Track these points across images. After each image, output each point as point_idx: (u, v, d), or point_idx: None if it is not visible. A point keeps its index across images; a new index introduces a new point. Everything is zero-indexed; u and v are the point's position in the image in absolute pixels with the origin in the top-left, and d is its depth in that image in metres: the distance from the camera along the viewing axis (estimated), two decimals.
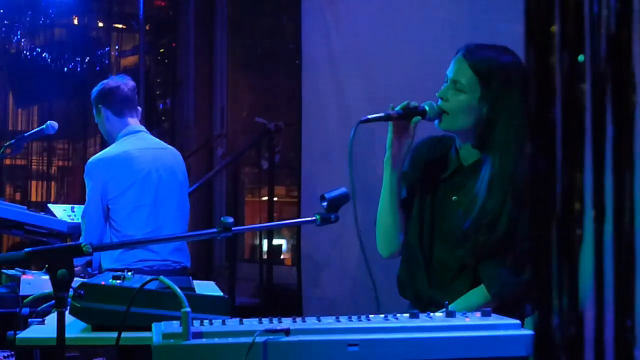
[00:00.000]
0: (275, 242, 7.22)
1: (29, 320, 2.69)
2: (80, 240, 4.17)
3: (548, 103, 1.01)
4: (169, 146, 4.58)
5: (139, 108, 4.52)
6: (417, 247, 2.82)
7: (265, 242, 6.61)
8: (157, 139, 4.57)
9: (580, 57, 0.99)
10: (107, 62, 8.64)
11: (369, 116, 2.69)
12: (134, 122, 4.42)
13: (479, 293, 2.67)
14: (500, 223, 2.64)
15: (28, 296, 2.90)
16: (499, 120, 2.68)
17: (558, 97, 0.97)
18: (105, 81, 4.47)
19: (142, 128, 4.46)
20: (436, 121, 2.74)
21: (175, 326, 1.89)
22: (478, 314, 2.03)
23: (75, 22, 8.70)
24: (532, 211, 1.01)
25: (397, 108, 2.73)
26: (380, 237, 2.91)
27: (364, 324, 1.93)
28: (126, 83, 4.43)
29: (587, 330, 1.00)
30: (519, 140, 2.67)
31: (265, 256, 6.60)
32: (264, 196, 6.82)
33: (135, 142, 4.34)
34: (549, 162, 0.99)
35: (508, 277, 2.64)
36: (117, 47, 8.83)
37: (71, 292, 2.17)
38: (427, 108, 2.71)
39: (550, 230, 1.01)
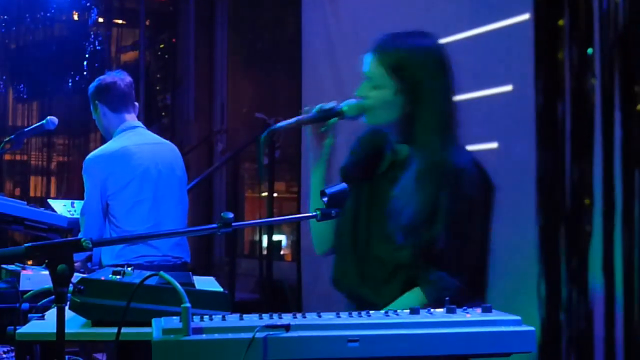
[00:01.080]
0: (275, 237, 7.22)
1: (29, 315, 2.69)
2: (80, 236, 4.17)
3: (556, 97, 1.00)
4: (166, 141, 4.57)
5: (136, 104, 4.50)
6: (349, 244, 2.74)
7: (265, 238, 6.60)
8: (155, 134, 4.56)
9: (589, 50, 0.98)
10: (106, 57, 8.63)
11: (279, 124, 2.69)
12: (131, 118, 4.41)
13: (415, 296, 2.55)
14: (437, 222, 2.52)
15: (28, 291, 2.89)
16: (418, 112, 2.59)
17: (567, 92, 0.97)
18: (101, 77, 4.45)
19: (139, 124, 4.45)
20: (364, 118, 2.69)
21: (175, 322, 1.88)
22: (479, 310, 2.03)
23: (75, 17, 8.70)
24: (540, 207, 1.01)
25: (314, 110, 2.71)
26: (313, 236, 2.88)
27: (364, 320, 1.93)
28: (123, 79, 4.41)
29: (596, 325, 1.00)
30: (443, 131, 2.60)
31: (265, 252, 6.60)
32: (264, 192, 6.81)
33: (132, 138, 4.33)
34: (557, 157, 0.99)
35: (447, 281, 2.52)
36: (117, 42, 8.82)
37: (71, 288, 2.16)
38: (345, 108, 2.67)
39: (559, 226, 1.01)
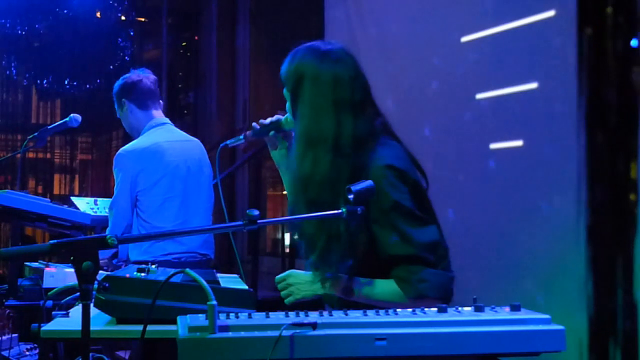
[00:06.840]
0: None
1: (53, 312, 2.69)
2: (107, 231, 4.19)
3: (602, 87, 0.98)
4: (193, 138, 4.60)
5: (161, 101, 4.53)
6: None
7: (287, 236, 6.58)
8: (182, 132, 4.58)
9: (633, 42, 0.96)
10: (129, 55, 8.65)
11: (228, 142, 2.97)
12: (159, 115, 4.44)
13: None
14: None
15: (51, 289, 2.90)
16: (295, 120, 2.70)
17: (612, 85, 0.95)
18: (127, 75, 4.48)
19: (167, 120, 4.49)
20: None
21: (201, 319, 1.87)
22: (507, 309, 2.00)
23: (98, 15, 8.72)
24: (588, 205, 0.99)
25: (255, 126, 2.90)
26: None
27: (391, 318, 1.91)
28: (148, 76, 4.46)
29: None
30: (313, 140, 2.61)
31: (287, 250, 6.58)
32: (286, 190, 6.79)
33: (163, 134, 4.36)
34: (603, 149, 0.97)
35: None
36: (139, 40, 8.84)
37: (95, 285, 2.16)
38: (282, 122, 2.83)
39: (606, 223, 0.99)
